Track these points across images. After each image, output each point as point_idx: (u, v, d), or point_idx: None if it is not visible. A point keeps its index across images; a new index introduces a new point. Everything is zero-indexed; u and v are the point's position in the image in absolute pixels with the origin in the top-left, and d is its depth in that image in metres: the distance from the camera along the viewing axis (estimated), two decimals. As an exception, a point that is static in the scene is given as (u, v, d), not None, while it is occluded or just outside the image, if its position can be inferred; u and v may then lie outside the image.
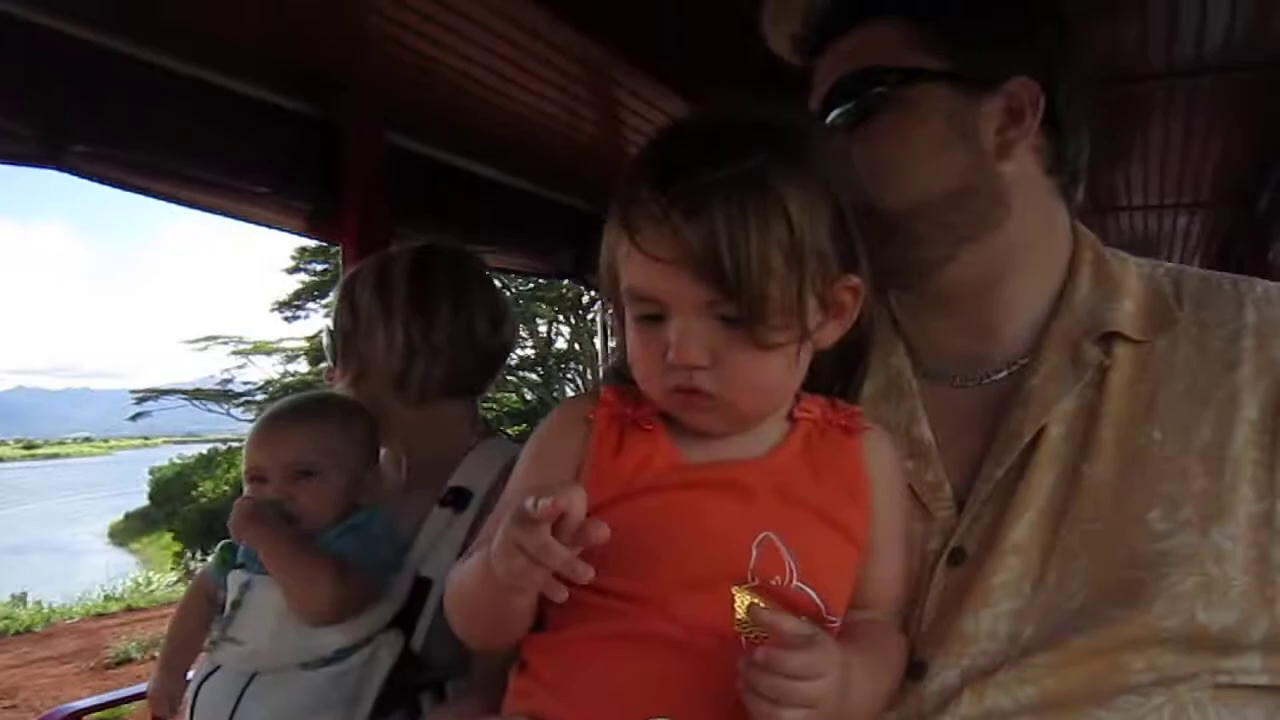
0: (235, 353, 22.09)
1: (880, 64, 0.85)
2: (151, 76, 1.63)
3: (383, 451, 1.38)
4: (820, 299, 0.73)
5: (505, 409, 16.69)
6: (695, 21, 1.71)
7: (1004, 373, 0.87)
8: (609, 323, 5.29)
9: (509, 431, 9.25)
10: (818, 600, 0.72)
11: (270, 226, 1.99)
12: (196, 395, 24.01)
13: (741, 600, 0.70)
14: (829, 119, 0.86)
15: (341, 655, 1.18)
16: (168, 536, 21.14)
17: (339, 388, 1.43)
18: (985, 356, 0.89)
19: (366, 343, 1.38)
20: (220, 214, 1.91)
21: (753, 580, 0.71)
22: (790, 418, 0.78)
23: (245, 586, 1.21)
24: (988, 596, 0.76)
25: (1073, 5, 0.91)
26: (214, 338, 23.02)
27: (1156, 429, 0.77)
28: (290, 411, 1.29)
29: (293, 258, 18.71)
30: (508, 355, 1.52)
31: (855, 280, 0.75)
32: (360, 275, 1.42)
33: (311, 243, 14.17)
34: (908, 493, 0.82)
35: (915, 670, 0.77)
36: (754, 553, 0.71)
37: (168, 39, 1.62)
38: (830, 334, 0.76)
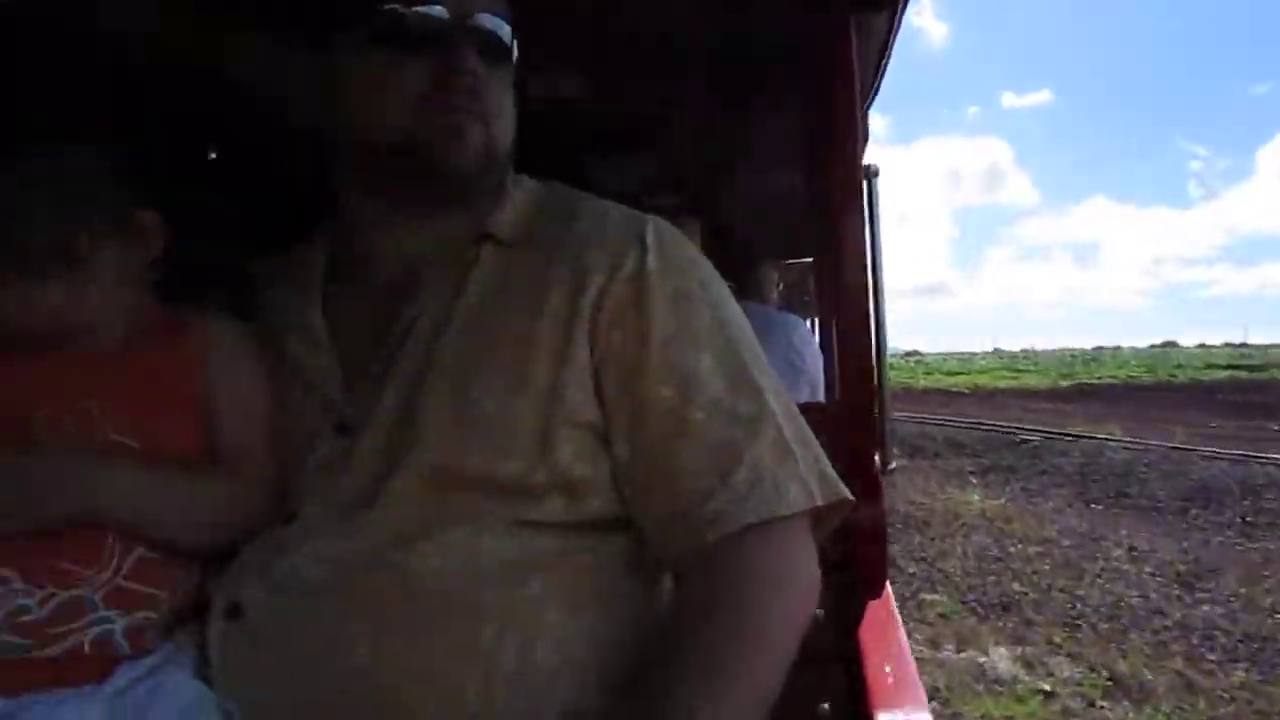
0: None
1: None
2: None
3: None
4: (101, 232, 0.88)
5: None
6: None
7: (403, 273, 0.98)
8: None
9: None
10: (136, 447, 0.86)
11: None
12: None
13: None
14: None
15: None
16: None
17: None
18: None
19: None
20: None
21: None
22: (133, 321, 0.92)
23: None
24: (357, 459, 0.88)
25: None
26: None
27: (492, 317, 0.90)
28: None
29: None
30: None
31: (149, 213, 0.92)
32: None
33: None
34: (255, 364, 0.96)
35: (287, 517, 0.89)
36: (68, 421, 0.84)
37: None
38: (136, 259, 0.92)
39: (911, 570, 6.05)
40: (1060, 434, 13.37)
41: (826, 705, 1.36)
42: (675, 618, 0.86)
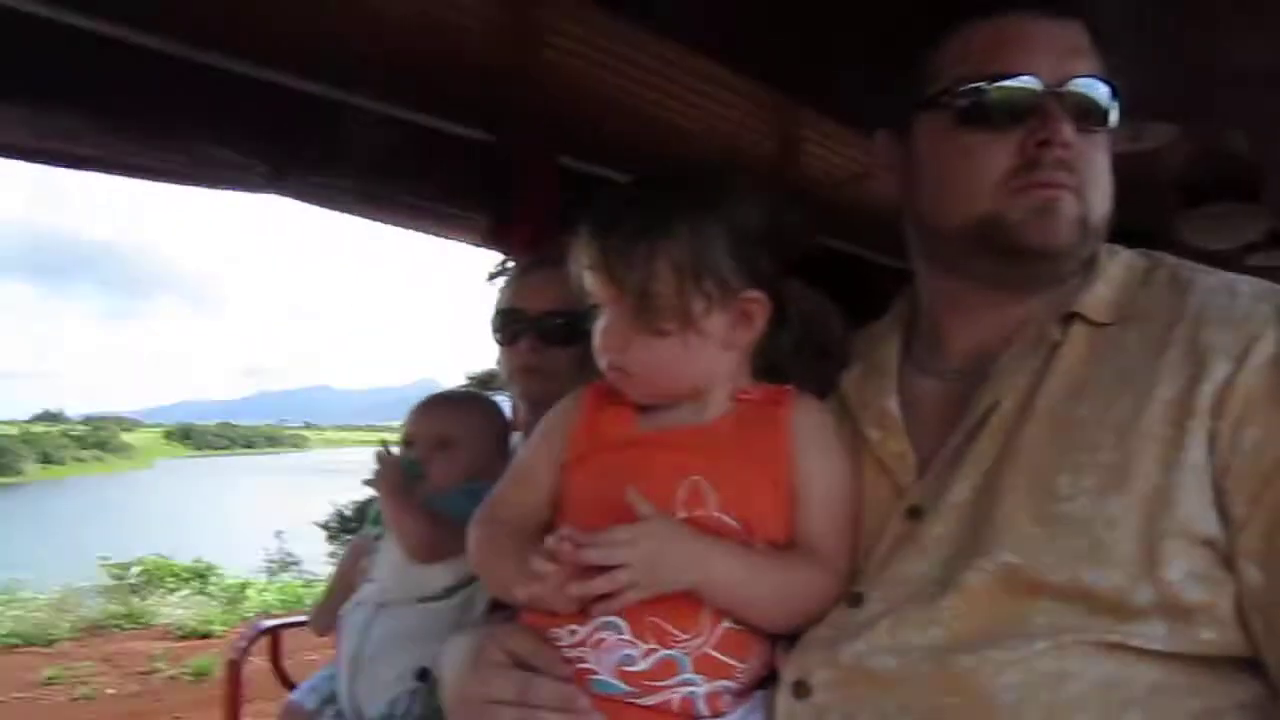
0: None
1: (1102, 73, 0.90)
2: (359, 117, 1.96)
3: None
4: (715, 304, 0.94)
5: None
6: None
7: (982, 355, 0.94)
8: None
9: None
10: (736, 525, 0.91)
11: (458, 241, 2.32)
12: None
13: None
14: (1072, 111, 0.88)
15: (449, 592, 1.36)
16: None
17: None
18: (987, 352, 0.94)
19: None
20: (412, 230, 2.23)
21: (680, 511, 0.91)
22: (733, 399, 0.99)
23: (380, 535, 1.44)
24: (926, 547, 0.85)
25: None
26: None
27: (1083, 404, 0.83)
28: (445, 396, 1.61)
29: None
30: None
31: (755, 294, 0.96)
32: None
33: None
34: (840, 448, 0.96)
35: (854, 599, 0.88)
36: (681, 491, 0.91)
37: (372, 86, 1.95)
38: (741, 336, 0.97)
39: None
40: None
41: None
42: None
